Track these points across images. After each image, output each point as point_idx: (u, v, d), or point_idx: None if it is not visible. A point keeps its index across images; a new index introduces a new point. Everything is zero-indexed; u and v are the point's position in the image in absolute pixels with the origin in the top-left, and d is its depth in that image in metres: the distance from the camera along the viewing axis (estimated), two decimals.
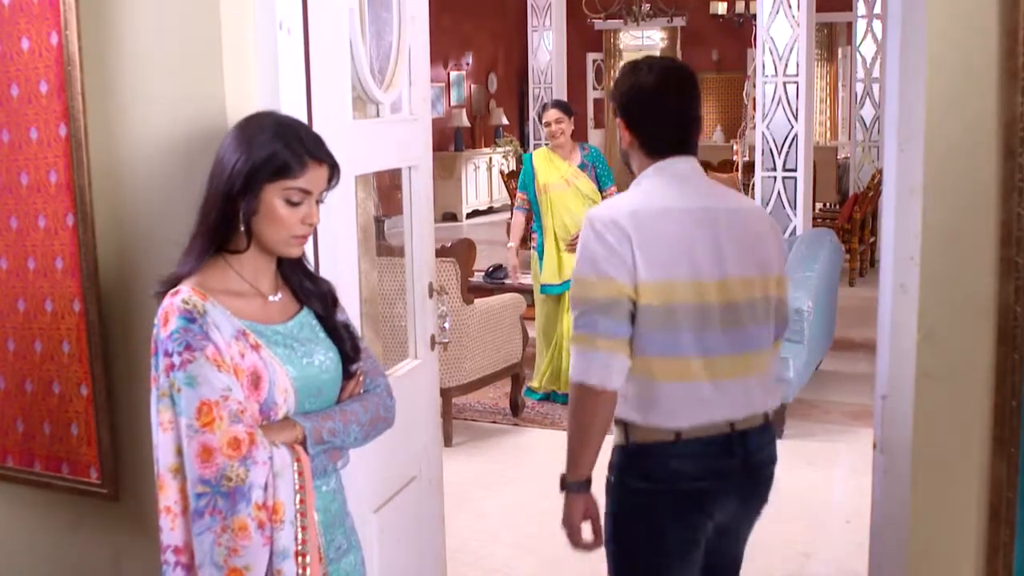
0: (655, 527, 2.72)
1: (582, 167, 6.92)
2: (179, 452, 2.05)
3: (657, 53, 19.40)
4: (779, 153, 8.60)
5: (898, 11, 2.11)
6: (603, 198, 6.72)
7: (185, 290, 2.10)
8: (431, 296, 3.31)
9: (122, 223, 2.65)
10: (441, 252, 5.96)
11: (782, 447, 6.21)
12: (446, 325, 3.34)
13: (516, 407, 6.85)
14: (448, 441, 6.27)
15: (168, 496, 2.06)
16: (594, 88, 19.59)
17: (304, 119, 2.63)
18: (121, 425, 2.74)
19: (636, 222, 2.53)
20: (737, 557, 2.99)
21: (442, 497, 3.53)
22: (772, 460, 2.96)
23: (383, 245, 6.52)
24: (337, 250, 2.75)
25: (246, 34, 2.54)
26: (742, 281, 2.55)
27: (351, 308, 2.83)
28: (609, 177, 7.01)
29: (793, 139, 8.56)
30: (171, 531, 2.07)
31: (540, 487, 5.70)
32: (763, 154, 8.66)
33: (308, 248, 2.67)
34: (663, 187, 2.67)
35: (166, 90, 2.56)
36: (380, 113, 3.03)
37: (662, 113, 2.69)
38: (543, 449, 6.31)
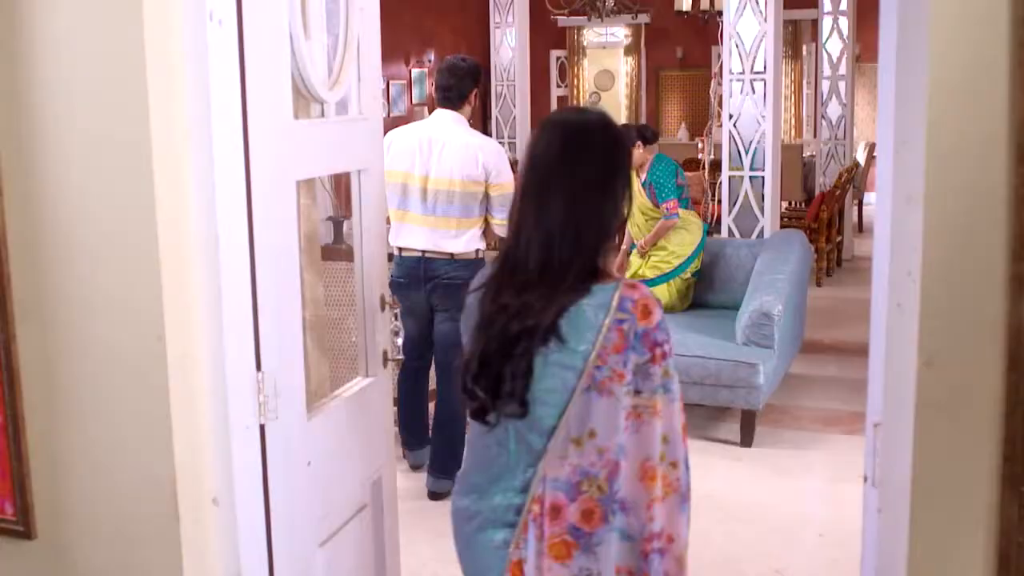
0: None
1: (644, 185, 7.33)
2: (664, 439, 2.21)
3: (621, 50, 19.27)
4: (746, 152, 8.43)
5: None
6: (664, 211, 7.23)
7: (640, 284, 2.27)
8: (383, 309, 3.08)
9: (35, 233, 2.39)
10: None
11: (752, 457, 6.05)
12: (399, 340, 3.11)
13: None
14: (402, 452, 6.03)
15: (658, 486, 2.18)
16: (557, 86, 19.38)
17: (238, 119, 2.40)
18: (39, 458, 2.49)
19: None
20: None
21: (396, 524, 3.29)
22: None
23: (341, 249, 6.25)
24: (277, 261, 2.52)
25: (172, 25, 2.30)
26: None
27: (292, 324, 2.60)
28: (664, 193, 7.25)
29: (760, 138, 8.38)
30: (660, 519, 2.20)
31: None
32: (730, 153, 8.48)
33: (243, 258, 2.44)
34: None
35: (83, 86, 2.31)
36: (325, 113, 2.79)
37: None
38: None
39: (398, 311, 3.07)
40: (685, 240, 7.24)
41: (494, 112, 14.30)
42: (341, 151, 2.85)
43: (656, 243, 7.25)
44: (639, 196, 7.34)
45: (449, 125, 5.33)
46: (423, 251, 5.27)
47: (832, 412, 6.85)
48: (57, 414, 2.46)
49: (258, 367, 2.51)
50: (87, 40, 2.29)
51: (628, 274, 7.42)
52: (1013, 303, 1.76)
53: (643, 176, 7.33)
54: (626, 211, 2.31)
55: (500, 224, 5.24)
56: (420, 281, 5.30)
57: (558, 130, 2.32)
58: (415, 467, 5.78)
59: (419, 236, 5.26)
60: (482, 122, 18.18)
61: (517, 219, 2.31)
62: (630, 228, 7.44)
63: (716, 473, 5.87)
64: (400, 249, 5.34)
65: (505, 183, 5.27)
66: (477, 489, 2.34)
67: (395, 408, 6.12)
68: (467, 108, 5.38)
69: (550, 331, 2.17)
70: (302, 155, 2.62)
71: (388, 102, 16.19)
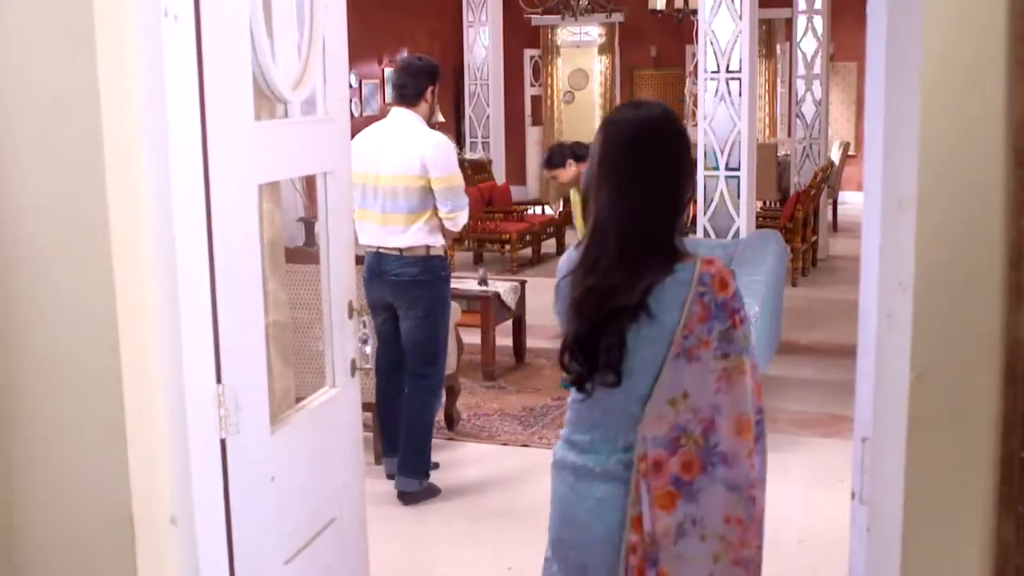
0: None
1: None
2: (752, 394, 2.48)
3: (595, 49, 19.18)
4: (722, 152, 8.34)
5: None
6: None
7: (716, 259, 2.45)
8: (351, 317, 2.97)
9: None
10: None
11: None
12: (368, 349, 3.00)
13: (451, 420, 6.51)
14: (377, 459, 5.92)
15: (752, 437, 2.47)
16: (531, 84, 19.28)
17: (196, 120, 2.29)
18: None
19: None
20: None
21: (366, 538, 3.19)
22: None
23: (312, 251, 6.17)
24: (237, 269, 2.41)
25: (125, 23, 2.18)
26: None
27: (254, 334, 2.49)
28: None
29: (736, 137, 8.30)
30: (758, 466, 2.54)
31: (475, 508, 5.38)
32: (705, 153, 8.40)
33: (202, 265, 2.33)
34: None
35: (30, 85, 2.20)
36: (289, 113, 2.68)
37: None
38: (478, 465, 5.97)
39: (366, 319, 2.95)
40: None
41: (467, 111, 14.20)
42: (306, 153, 2.74)
43: None
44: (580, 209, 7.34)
45: (401, 123, 5.39)
46: (377, 247, 5.38)
47: (809, 415, 6.78)
48: (5, 429, 2.34)
49: (218, 379, 2.40)
50: (35, 38, 2.18)
51: None
52: (1010, 314, 1.68)
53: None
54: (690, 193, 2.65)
55: (448, 218, 5.29)
56: (376, 277, 5.41)
57: (627, 124, 2.55)
58: (390, 475, 5.67)
59: (374, 233, 5.37)
60: (455, 121, 18.06)
61: (596, 209, 2.48)
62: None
63: None
64: (365, 247, 5.45)
65: (446, 176, 5.29)
66: (578, 446, 2.58)
67: (371, 414, 6.08)
68: (424, 106, 5.41)
69: (640, 308, 2.38)
70: (264, 157, 2.52)
71: (361, 101, 16.05)
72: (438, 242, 5.36)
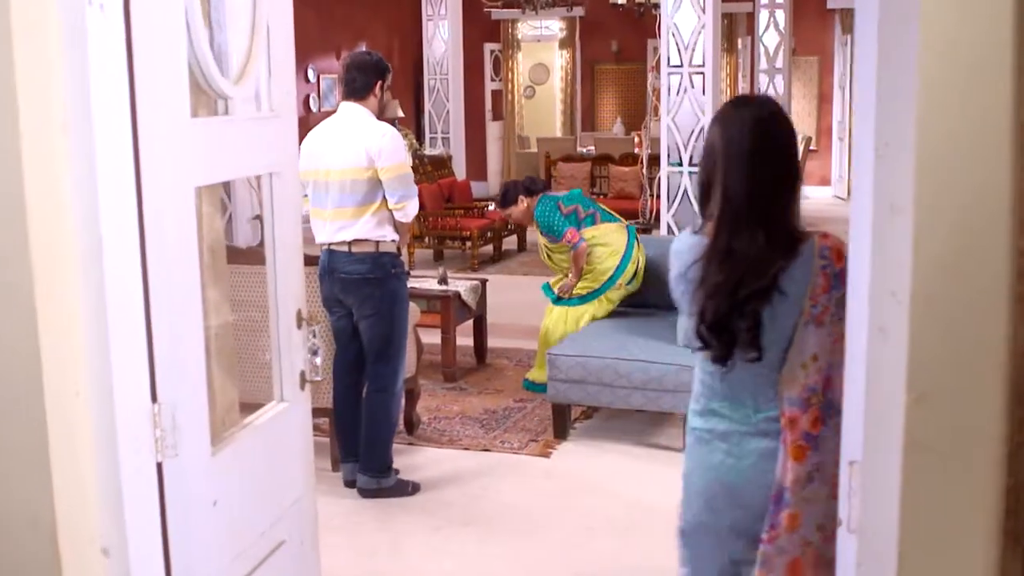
0: None
1: (540, 231, 7.26)
2: None
3: (556, 44, 19.04)
4: (685, 147, 8.20)
5: None
6: (567, 243, 7.03)
7: (830, 232, 2.64)
8: (299, 326, 2.79)
9: None
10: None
11: None
12: (318, 360, 2.82)
13: (411, 425, 6.33)
14: (334, 465, 5.74)
15: None
16: (492, 79, 19.10)
17: (125, 118, 2.10)
18: None
19: None
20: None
21: (318, 559, 3.01)
22: None
23: (261, 252, 5.97)
24: (172, 278, 2.22)
25: (45, 13, 1.99)
26: None
27: (193, 347, 2.31)
28: (557, 228, 7.07)
29: (700, 132, 8.16)
30: None
31: (436, 516, 5.20)
32: (668, 148, 8.26)
33: (134, 276, 2.15)
34: None
35: None
36: (230, 110, 2.49)
37: None
38: (439, 470, 5.80)
39: (316, 328, 2.77)
40: (603, 254, 6.95)
41: (427, 106, 14.00)
42: (249, 152, 2.55)
43: (581, 272, 7.01)
44: (545, 247, 7.28)
45: (350, 117, 5.30)
46: (328, 244, 5.30)
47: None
48: None
49: (153, 398, 2.22)
50: None
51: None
52: (1017, 329, 1.52)
53: (536, 224, 7.24)
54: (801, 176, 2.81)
55: (397, 208, 5.20)
56: (327, 275, 5.33)
57: (752, 116, 2.70)
58: (349, 482, 5.51)
59: (325, 230, 5.29)
60: (415, 117, 17.86)
61: (725, 195, 2.65)
62: (554, 266, 7.38)
63: (660, 483, 5.63)
64: (319, 246, 5.36)
65: (393, 165, 5.19)
66: (719, 413, 2.77)
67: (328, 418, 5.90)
68: (372, 100, 5.32)
69: (773, 289, 2.61)
70: (202, 158, 2.33)
71: (319, 96, 15.81)
72: (388, 237, 5.24)
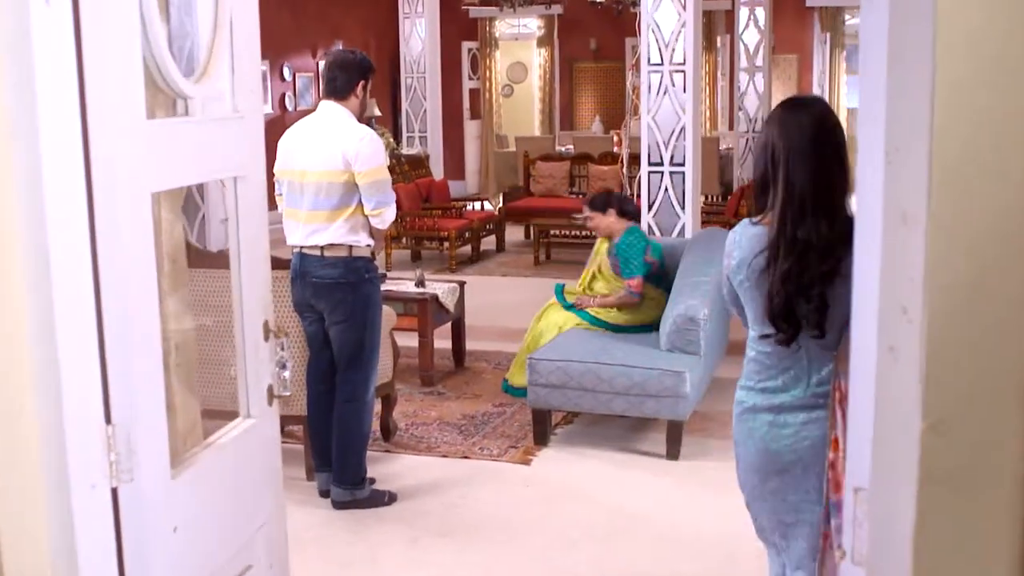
0: None
1: (612, 253, 6.93)
2: None
3: (534, 42, 18.90)
4: (666, 146, 8.08)
5: None
6: (627, 287, 6.77)
7: None
8: (267, 338, 2.64)
9: None
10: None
11: (680, 471, 5.70)
12: (287, 374, 2.68)
13: (388, 431, 6.18)
14: (308, 474, 5.59)
15: None
16: (469, 78, 18.96)
17: (75, 120, 1.95)
18: None
19: None
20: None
21: None
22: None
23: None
24: (127, 291, 2.07)
25: None
26: None
27: (150, 364, 2.16)
28: (631, 269, 6.79)
29: (681, 131, 8.05)
30: None
31: (413, 527, 5.06)
32: (649, 147, 8.13)
33: (86, 289, 2.00)
34: None
35: None
36: (190, 110, 2.34)
37: None
38: (416, 479, 5.65)
39: (284, 340, 2.63)
40: (637, 313, 6.78)
41: (404, 105, 13.84)
42: (211, 155, 2.40)
43: (610, 307, 6.84)
44: (605, 259, 6.99)
45: (328, 117, 5.14)
46: (301, 247, 5.14)
47: None
48: None
49: (107, 419, 2.07)
50: None
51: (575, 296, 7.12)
52: None
53: (615, 240, 6.90)
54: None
55: (374, 215, 5.04)
56: (299, 279, 5.17)
57: (812, 115, 2.96)
58: (323, 492, 5.36)
59: (298, 233, 5.13)
60: (392, 116, 17.69)
61: (783, 194, 2.88)
62: (587, 282, 7.11)
63: (643, 490, 5.52)
64: (292, 248, 5.22)
65: (370, 170, 5.01)
66: (771, 390, 3.03)
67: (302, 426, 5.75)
68: (354, 101, 5.15)
69: (836, 274, 2.83)
70: (160, 161, 2.18)
71: (295, 95, 15.64)
72: (362, 242, 5.07)
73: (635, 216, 7.10)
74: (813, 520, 3.05)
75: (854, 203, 2.61)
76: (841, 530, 2.33)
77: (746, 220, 3.06)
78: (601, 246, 7.10)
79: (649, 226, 8.15)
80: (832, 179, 2.90)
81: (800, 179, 2.88)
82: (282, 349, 2.66)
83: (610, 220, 6.91)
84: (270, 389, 2.67)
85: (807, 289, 2.87)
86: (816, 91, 17.71)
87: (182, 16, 2.34)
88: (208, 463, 2.43)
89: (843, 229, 2.79)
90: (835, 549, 2.64)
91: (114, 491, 2.11)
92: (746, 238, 3.00)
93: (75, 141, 1.96)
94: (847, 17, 17.86)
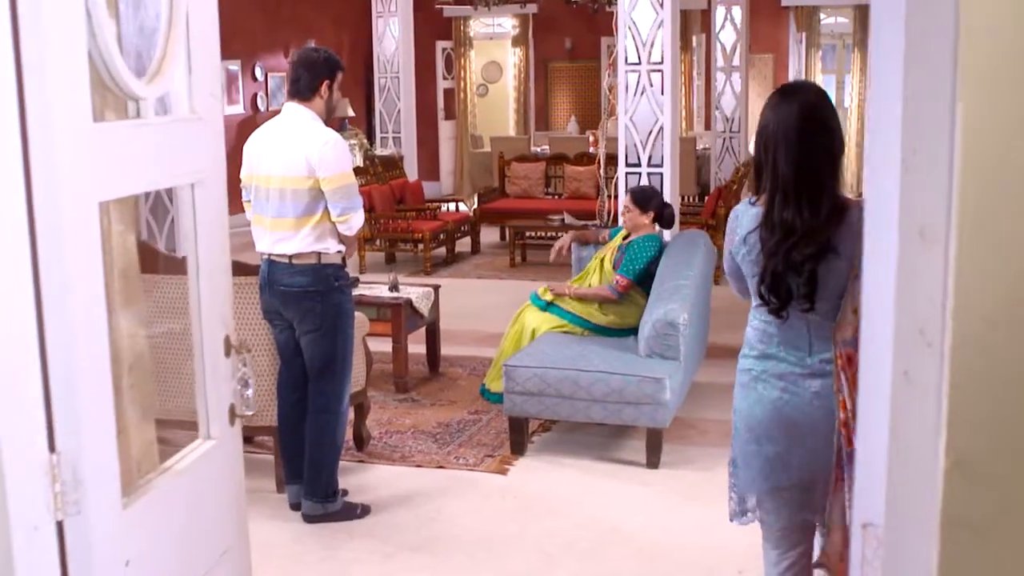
0: None
1: (623, 247, 6.72)
2: None
3: (509, 41, 18.76)
4: (644, 147, 7.95)
5: None
6: (614, 282, 6.59)
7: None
8: (228, 354, 2.48)
9: None
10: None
11: (660, 480, 5.56)
12: (249, 392, 2.52)
13: (361, 440, 6.02)
14: (279, 486, 5.42)
15: None
16: (444, 77, 18.79)
17: (14, 123, 1.79)
18: None
19: None
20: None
21: None
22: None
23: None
24: (73, 308, 1.91)
25: None
26: None
27: (99, 387, 2.00)
28: (629, 269, 6.58)
29: (659, 132, 7.92)
30: None
31: (387, 541, 4.90)
32: (626, 148, 8.00)
33: (26, 308, 1.84)
34: None
35: None
36: (142, 113, 2.17)
37: None
38: (390, 490, 5.49)
39: (246, 356, 2.47)
40: (621, 315, 6.62)
41: (378, 106, 13.66)
42: (166, 161, 2.24)
43: (585, 299, 6.69)
44: (611, 253, 6.79)
45: (292, 120, 4.95)
46: (269, 255, 4.97)
47: None
48: None
49: (51, 448, 1.91)
50: None
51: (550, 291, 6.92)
52: None
53: (632, 237, 6.73)
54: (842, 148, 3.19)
55: (340, 221, 4.87)
56: (267, 287, 5.01)
57: (803, 102, 3.13)
58: (294, 505, 5.19)
59: (265, 239, 4.96)
60: (365, 116, 17.51)
61: (781, 171, 3.09)
62: (592, 276, 6.87)
63: (623, 501, 5.37)
64: (259, 255, 5.05)
65: (335, 175, 4.83)
66: (775, 357, 3.23)
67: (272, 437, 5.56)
68: (319, 101, 4.94)
69: (828, 250, 3.07)
70: (109, 168, 2.02)
71: (267, 96, 15.44)
72: (331, 249, 4.90)
73: (669, 225, 6.93)
74: (826, 479, 3.19)
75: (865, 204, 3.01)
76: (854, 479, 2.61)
77: (746, 200, 3.29)
78: (618, 238, 6.92)
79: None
80: (818, 166, 3.09)
81: (785, 166, 3.09)
82: (244, 365, 2.50)
83: (645, 220, 6.72)
84: (232, 408, 2.51)
85: (799, 266, 3.09)
86: None
87: (133, 11, 2.18)
88: (164, 490, 2.27)
89: (829, 213, 3.08)
90: (845, 492, 2.95)
91: (59, 525, 1.95)
92: (747, 217, 3.24)
93: (13, 146, 1.81)
94: (822, 16, 17.81)
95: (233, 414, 2.51)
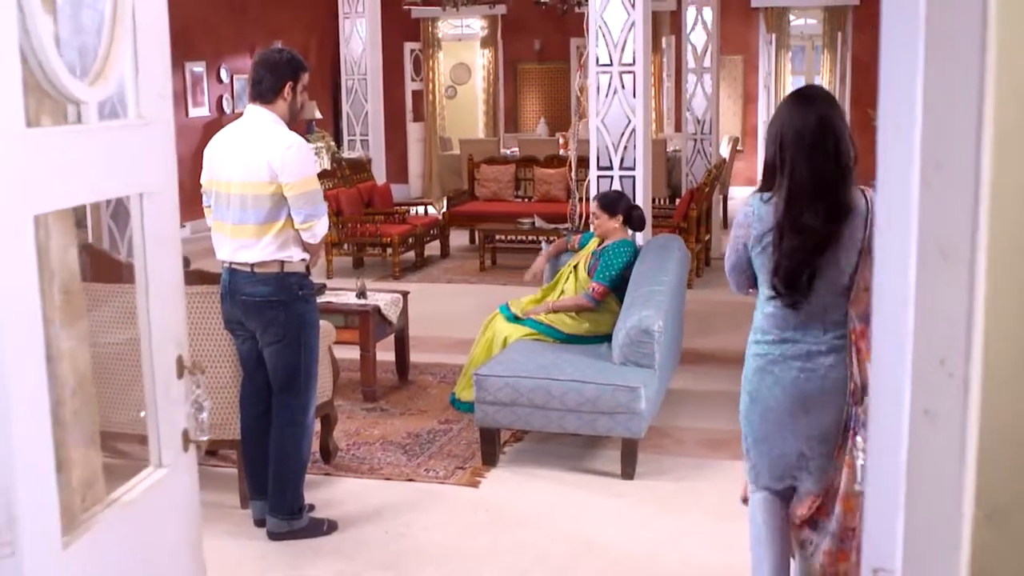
0: None
1: (598, 252, 6.64)
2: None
3: (477, 42, 18.60)
4: (616, 150, 7.81)
5: None
6: (590, 290, 6.50)
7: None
8: (180, 376, 2.32)
9: None
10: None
11: (635, 492, 5.42)
12: (204, 416, 2.36)
13: (328, 453, 5.85)
14: (243, 502, 5.24)
15: None
16: (412, 79, 18.61)
17: None
18: None
19: None
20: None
21: None
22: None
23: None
24: (3, 334, 1.74)
25: None
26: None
27: (35, 417, 1.84)
28: (604, 276, 6.49)
29: (631, 134, 7.78)
30: None
31: (355, 560, 4.73)
32: (598, 150, 7.85)
33: None
34: None
35: None
36: (83, 117, 2.01)
37: None
38: (359, 505, 5.32)
39: (201, 377, 2.30)
40: (594, 323, 6.49)
41: (345, 108, 13.46)
42: (110, 170, 2.07)
43: (560, 311, 6.53)
44: (584, 260, 6.69)
45: (254, 123, 4.77)
46: (230, 263, 4.78)
47: (716, 433, 6.28)
48: None
49: None
50: None
51: (527, 301, 6.86)
52: None
53: (606, 243, 6.64)
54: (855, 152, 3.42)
55: (303, 228, 4.69)
56: (228, 296, 4.82)
57: (817, 106, 3.40)
58: (258, 521, 5.01)
59: (226, 247, 4.77)
60: (332, 118, 17.30)
61: (788, 182, 3.38)
62: (566, 283, 6.76)
63: (598, 514, 5.23)
64: (220, 263, 4.87)
65: (297, 181, 4.64)
66: (791, 340, 3.52)
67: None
68: (281, 104, 4.76)
69: (840, 238, 3.38)
70: (45, 178, 1.85)
71: (233, 98, 15.22)
72: (295, 257, 4.72)
73: (639, 227, 6.81)
74: (827, 452, 3.55)
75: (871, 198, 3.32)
76: (855, 417, 3.39)
77: (759, 195, 3.52)
78: (592, 245, 6.81)
79: None
80: (833, 170, 3.37)
81: (802, 171, 3.36)
82: (198, 387, 2.34)
83: (615, 225, 6.65)
84: (185, 433, 2.35)
85: (813, 264, 3.39)
86: (762, 92, 17.61)
87: (74, 6, 2.01)
88: (111, 525, 2.10)
89: (843, 208, 3.37)
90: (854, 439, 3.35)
91: None
92: (765, 212, 3.48)
93: None
94: (792, 18, 17.76)
95: (187, 439, 2.35)
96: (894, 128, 1.30)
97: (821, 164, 3.35)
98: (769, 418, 3.58)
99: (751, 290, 3.68)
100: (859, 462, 2.23)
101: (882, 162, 1.33)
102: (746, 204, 3.60)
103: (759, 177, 3.75)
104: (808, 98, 3.48)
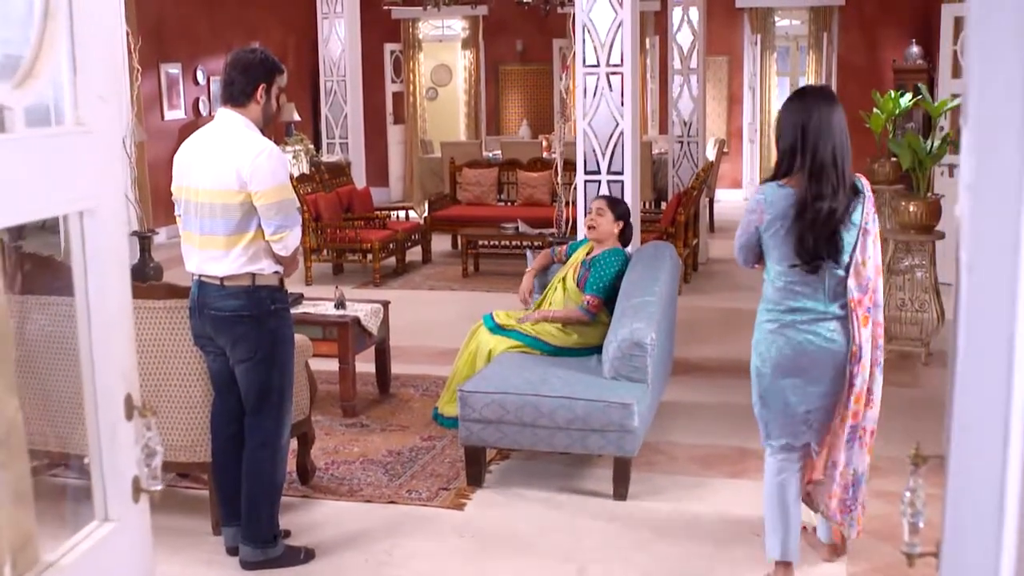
0: None
1: (587, 262, 6.36)
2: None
3: (459, 44, 18.33)
4: (603, 153, 7.55)
5: None
6: (585, 303, 6.21)
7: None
8: (130, 418, 2.04)
9: None
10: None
11: (628, 514, 5.16)
12: (156, 462, 2.07)
13: (305, 473, 5.56)
14: (215, 528, 4.95)
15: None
16: (392, 81, 18.31)
17: None
18: None
19: None
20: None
21: None
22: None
23: (142, 278, 5.17)
24: None
25: None
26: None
27: None
28: (595, 287, 6.21)
29: (619, 137, 7.52)
30: (879, 290, 4.25)
31: None
32: (585, 154, 7.59)
33: None
34: None
35: None
36: (8, 125, 1.72)
37: None
38: (337, 530, 5.04)
39: (151, 420, 2.02)
40: (583, 335, 6.22)
41: (324, 110, 13.16)
42: (41, 185, 1.79)
43: (555, 322, 6.25)
44: (573, 270, 6.42)
45: (224, 128, 4.49)
46: (199, 275, 4.52)
47: (711, 449, 6.04)
48: None
49: None
50: None
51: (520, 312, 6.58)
52: None
53: (596, 252, 6.38)
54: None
55: (274, 240, 4.40)
56: (197, 310, 4.55)
57: (823, 99, 4.11)
58: (231, 549, 4.73)
59: (194, 259, 4.51)
60: (312, 121, 16.99)
61: (810, 163, 4.02)
62: (554, 295, 6.50)
63: (590, 540, 4.95)
64: (189, 275, 4.60)
65: (268, 190, 4.35)
66: (799, 310, 4.12)
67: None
68: (254, 107, 4.48)
69: (848, 220, 4.05)
70: None
71: (209, 100, 14.89)
72: (267, 269, 4.44)
73: (627, 243, 6.53)
74: (826, 406, 4.21)
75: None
76: (856, 374, 4.13)
77: (773, 183, 4.10)
78: (579, 254, 6.54)
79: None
80: (845, 151, 4.05)
81: (825, 152, 4.02)
82: (149, 430, 2.06)
83: (614, 230, 6.41)
84: (136, 481, 2.07)
85: (833, 233, 4.01)
86: (747, 93, 17.39)
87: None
88: None
89: (851, 187, 4.07)
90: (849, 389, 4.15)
91: None
92: (778, 198, 4.06)
93: None
94: (777, 19, 17.54)
95: (138, 489, 2.07)
96: (989, 129, 1.04)
97: (835, 148, 4.03)
98: (779, 373, 4.15)
99: (756, 265, 4.27)
100: None
101: (971, 169, 1.06)
102: (757, 192, 4.18)
103: (744, 179, 4.40)
104: (817, 92, 4.21)
